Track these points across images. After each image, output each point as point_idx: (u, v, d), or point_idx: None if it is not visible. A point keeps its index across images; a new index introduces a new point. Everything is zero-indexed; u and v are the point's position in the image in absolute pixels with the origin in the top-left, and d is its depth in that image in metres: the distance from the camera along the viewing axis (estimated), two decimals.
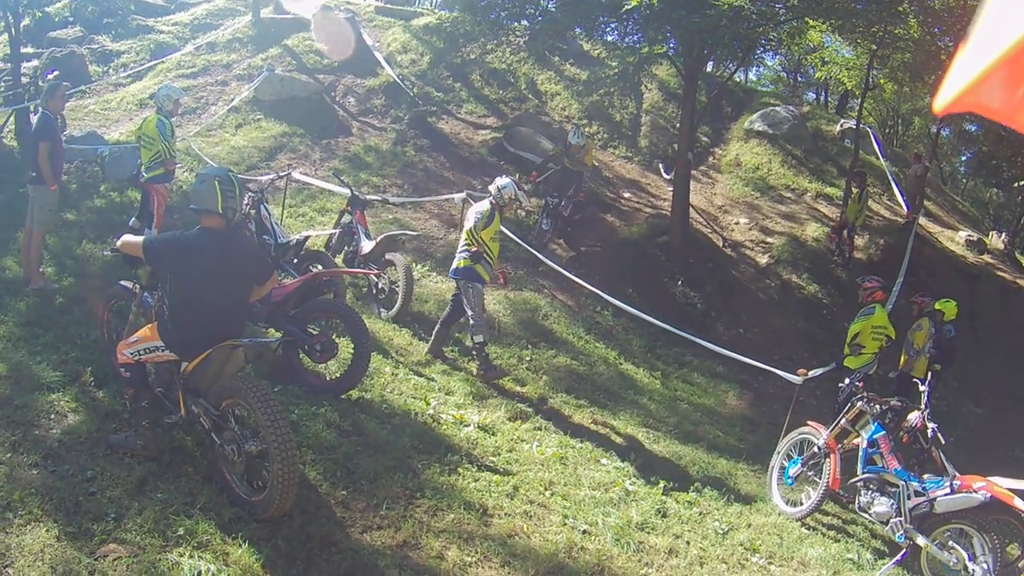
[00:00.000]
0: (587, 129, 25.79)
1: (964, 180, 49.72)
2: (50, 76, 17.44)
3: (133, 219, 13.41)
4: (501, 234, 12.62)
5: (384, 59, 24.80)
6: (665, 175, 25.05)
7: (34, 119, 11.96)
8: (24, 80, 18.07)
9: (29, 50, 21.52)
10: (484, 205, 11.93)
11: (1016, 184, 27.59)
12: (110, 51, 24.40)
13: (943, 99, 1.41)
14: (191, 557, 5.57)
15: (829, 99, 46.36)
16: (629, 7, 16.47)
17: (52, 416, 7.24)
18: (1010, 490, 8.66)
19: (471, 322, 11.75)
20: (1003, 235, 29.55)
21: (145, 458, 6.72)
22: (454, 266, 11.97)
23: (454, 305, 12.14)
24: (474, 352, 11.85)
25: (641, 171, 25.48)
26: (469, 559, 6.64)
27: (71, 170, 15.55)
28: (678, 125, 23.51)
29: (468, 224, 11.93)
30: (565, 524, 7.76)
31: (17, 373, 7.85)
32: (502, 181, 12.10)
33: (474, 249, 11.70)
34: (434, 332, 12.20)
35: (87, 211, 14.62)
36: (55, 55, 21.63)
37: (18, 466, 6.24)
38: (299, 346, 9.29)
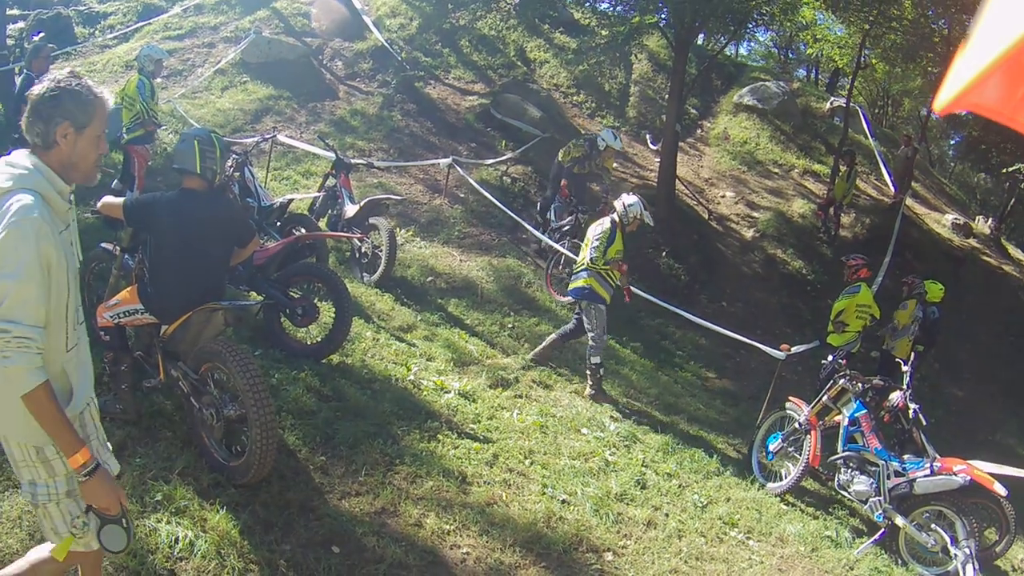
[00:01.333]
0: (575, 98, 25.80)
1: (952, 164, 49.78)
2: (36, 38, 17.30)
3: (116, 181, 13.37)
4: (485, 200, 12.50)
5: (372, 23, 24.63)
6: (652, 146, 25.04)
7: (19, 81, 11.88)
8: (10, 42, 17.95)
9: (15, 12, 21.40)
10: (605, 224, 11.82)
11: (1004, 170, 27.59)
12: (97, 12, 24.29)
13: (943, 99, 1.38)
14: (168, 523, 5.52)
15: (820, 76, 46.36)
16: None
17: None
18: (990, 474, 8.71)
19: (591, 343, 11.66)
20: (989, 220, 29.61)
21: (124, 422, 6.66)
22: (574, 285, 11.93)
23: (577, 322, 12.06)
24: (588, 372, 11.70)
25: (628, 141, 25.39)
26: (447, 527, 6.62)
27: None
28: (667, 97, 23.45)
29: (591, 242, 11.79)
30: (544, 494, 7.75)
31: None
32: (629, 200, 11.98)
33: (594, 268, 11.66)
34: (547, 339, 12.23)
35: None
36: (41, 16, 21.53)
37: None
38: (280, 310, 9.21)
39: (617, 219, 11.78)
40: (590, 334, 11.68)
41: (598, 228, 11.80)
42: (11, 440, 3.80)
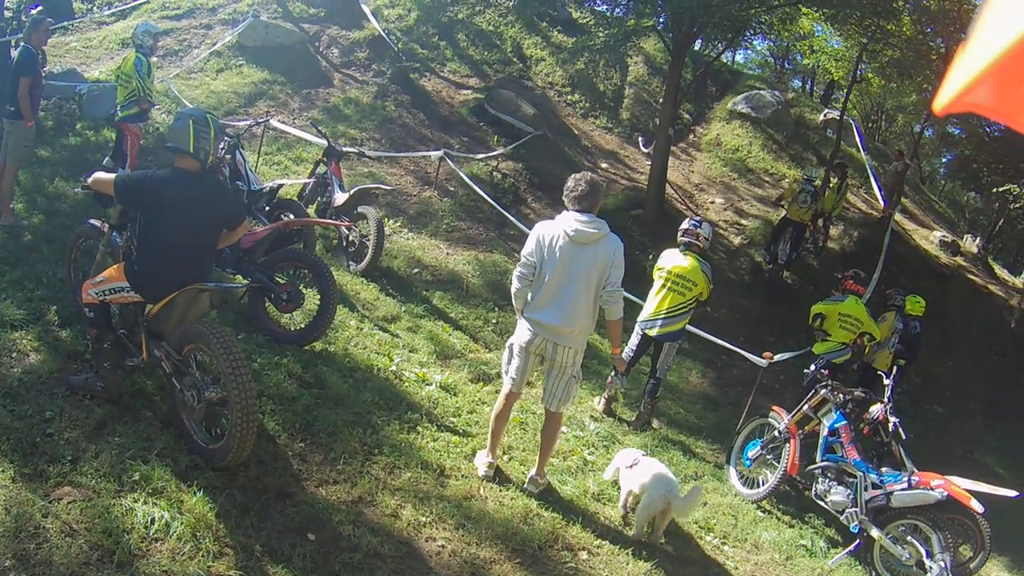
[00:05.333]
0: (570, 98, 25.85)
1: (943, 181, 49.95)
2: (34, 11, 17.22)
3: (107, 159, 13.37)
4: (474, 194, 12.47)
5: (371, 12, 24.66)
6: (644, 148, 25.12)
7: (15, 53, 11.81)
8: (7, 14, 17.87)
9: None
10: (695, 259, 11.51)
11: (995, 190, 27.68)
12: None
13: (942, 99, 1.38)
14: (145, 503, 5.50)
15: (815, 88, 46.38)
16: None
17: (14, 355, 7.13)
18: (967, 491, 8.71)
19: (659, 374, 11.65)
20: (977, 239, 29.79)
21: (105, 400, 6.63)
22: (674, 328, 11.44)
23: (635, 355, 11.69)
24: (647, 403, 11.63)
25: (620, 143, 25.51)
26: (424, 519, 6.61)
27: (48, 106, 15.42)
28: (661, 100, 23.50)
29: (705, 282, 11.44)
30: (521, 490, 7.76)
31: None
32: (706, 227, 11.82)
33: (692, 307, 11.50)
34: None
35: (62, 149, 14.46)
36: None
37: None
38: (265, 294, 9.21)
39: (701, 247, 11.66)
40: (664, 369, 11.70)
41: (697, 263, 11.47)
42: (580, 350, 7.66)
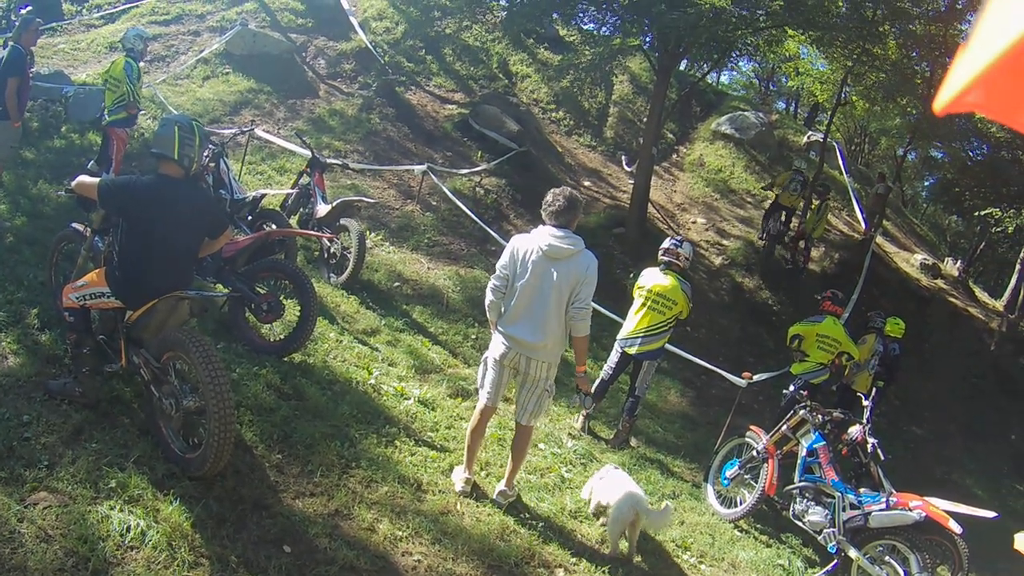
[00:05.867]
0: (554, 115, 25.89)
1: (925, 205, 50.20)
2: (23, 11, 17.16)
3: (92, 162, 13.29)
4: (456, 209, 12.53)
5: (359, 24, 24.66)
6: (627, 167, 25.19)
7: (3, 53, 11.77)
8: None
9: None
10: (676, 278, 11.57)
11: (976, 213, 27.82)
12: None
13: (943, 99, 1.38)
14: (121, 511, 5.45)
15: (799, 110, 46.49)
16: None
17: None
18: (945, 512, 8.72)
19: (637, 393, 11.67)
20: (958, 262, 29.97)
21: (83, 406, 6.58)
22: (652, 347, 11.52)
23: (613, 373, 11.81)
24: (626, 420, 11.64)
25: (603, 161, 25.56)
26: (400, 533, 6.58)
27: (34, 108, 15.32)
28: (645, 119, 23.54)
29: (685, 302, 11.49)
30: (492, 502, 7.75)
31: None
32: (686, 247, 11.93)
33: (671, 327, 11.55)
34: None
35: (46, 151, 14.37)
36: None
37: None
38: (246, 304, 9.16)
39: (681, 266, 11.72)
40: (643, 387, 11.72)
41: (677, 282, 11.53)
42: (554, 364, 7.65)
